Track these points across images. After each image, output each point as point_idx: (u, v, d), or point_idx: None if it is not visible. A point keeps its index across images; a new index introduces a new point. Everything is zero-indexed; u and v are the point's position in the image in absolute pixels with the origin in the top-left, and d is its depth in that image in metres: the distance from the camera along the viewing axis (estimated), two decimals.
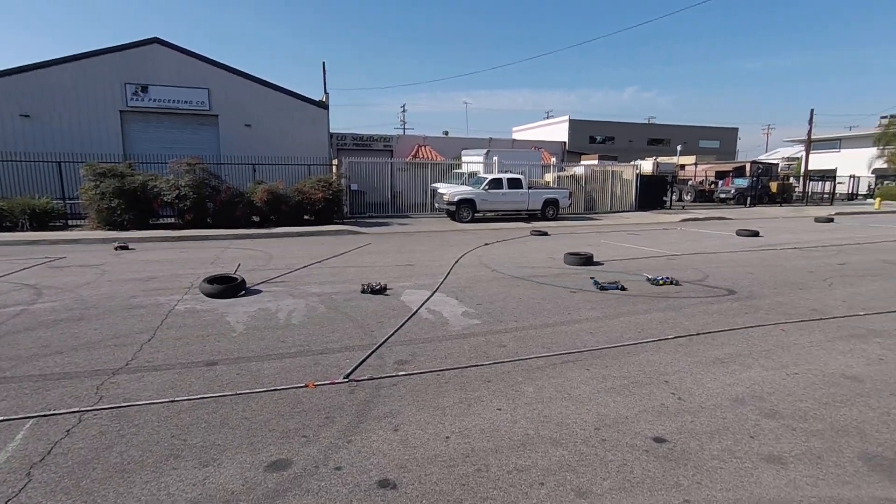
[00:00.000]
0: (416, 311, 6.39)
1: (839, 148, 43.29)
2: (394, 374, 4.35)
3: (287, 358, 4.75)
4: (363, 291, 7.27)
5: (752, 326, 5.74)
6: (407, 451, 3.15)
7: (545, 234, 15.04)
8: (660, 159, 32.42)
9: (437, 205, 19.74)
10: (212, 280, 7.24)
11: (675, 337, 5.36)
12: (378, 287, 7.31)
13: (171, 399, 3.84)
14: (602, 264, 9.74)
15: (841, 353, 4.92)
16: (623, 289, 7.55)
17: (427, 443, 3.25)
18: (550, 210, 19.41)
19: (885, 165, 36.74)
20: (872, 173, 37.85)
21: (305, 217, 17.04)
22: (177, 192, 14.77)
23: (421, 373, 4.40)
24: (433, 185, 21.07)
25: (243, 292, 7.22)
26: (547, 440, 3.30)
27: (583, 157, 33.29)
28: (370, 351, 4.89)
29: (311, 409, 3.71)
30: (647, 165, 29.53)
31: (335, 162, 20.34)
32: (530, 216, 19.50)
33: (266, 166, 18.43)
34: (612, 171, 24.23)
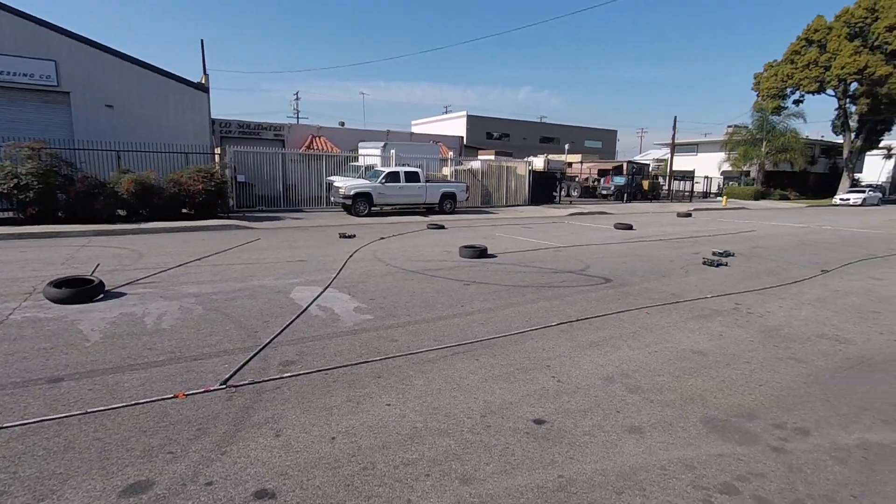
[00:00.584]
0: (306, 308, 6.14)
1: (696, 152, 49.12)
2: (278, 377, 4.12)
3: (154, 367, 4.29)
4: None
5: (623, 311, 6.29)
6: (289, 457, 3.00)
7: (442, 227, 15.27)
8: (550, 157, 34.42)
9: (332, 198, 19.18)
10: (59, 283, 6.32)
11: (558, 324, 5.70)
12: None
13: None
14: (496, 257, 10.10)
15: (691, 331, 5.57)
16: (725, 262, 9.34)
17: (311, 446, 3.12)
18: (448, 204, 19.76)
19: (730, 168, 42.40)
20: (721, 175, 43.48)
21: (184, 211, 15.63)
22: (15, 181, 12.66)
23: (308, 373, 4.22)
24: (329, 177, 20.42)
25: (101, 296, 6.41)
26: (435, 431, 3.32)
27: (480, 152, 34.30)
28: (252, 354, 4.59)
29: (180, 421, 3.39)
30: (538, 162, 31.16)
31: (218, 150, 18.88)
32: (428, 210, 19.69)
33: (134, 153, 16.54)
34: (508, 167, 25.26)
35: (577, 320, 5.86)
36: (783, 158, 39.10)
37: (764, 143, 38.73)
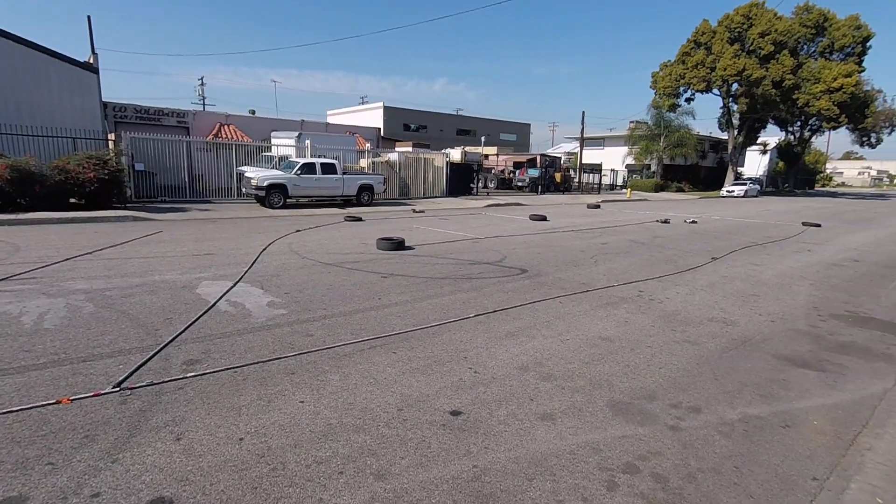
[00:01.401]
0: (214, 303, 5.76)
1: (603, 146, 52.11)
2: (181, 377, 3.83)
3: (32, 371, 3.83)
4: None
5: (538, 301, 6.54)
6: (191, 462, 2.80)
7: (359, 219, 15.00)
8: (467, 149, 34.95)
9: (244, 190, 18.15)
10: None
11: (476, 315, 5.81)
12: None
13: None
14: (414, 249, 10.09)
15: (600, 318, 5.92)
16: None
17: (216, 448, 2.94)
18: (365, 196, 19.43)
19: (633, 162, 45.54)
20: (626, 168, 46.59)
21: (73, 201, 14.07)
22: None
23: (215, 371, 3.97)
24: (240, 168, 19.28)
25: None
26: (350, 427, 3.25)
27: (397, 143, 34.07)
28: (152, 353, 4.24)
29: (62, 429, 3.05)
30: (456, 154, 31.51)
31: (112, 136, 17.15)
32: (345, 202, 19.25)
33: (8, 136, 14.64)
34: (425, 159, 25.29)
35: (494, 311, 6.01)
36: (678, 153, 42.62)
37: (662, 139, 41.92)
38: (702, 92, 40.98)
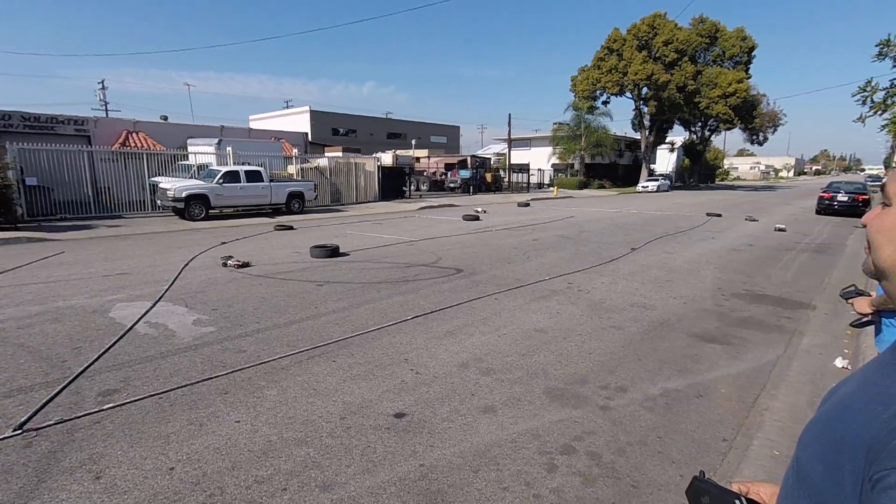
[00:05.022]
0: (132, 326, 5.36)
1: (530, 146, 53.91)
2: (96, 410, 3.53)
3: None
4: None
5: (474, 299, 6.65)
6: (114, 500, 2.59)
7: (291, 228, 14.53)
8: (398, 152, 34.87)
9: (159, 202, 16.97)
10: None
11: (414, 317, 5.81)
12: None
13: None
14: (348, 254, 9.92)
15: (534, 311, 6.12)
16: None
17: (143, 482, 2.74)
18: (296, 203, 18.83)
19: (558, 161, 47.52)
20: (552, 167, 48.48)
21: None
22: None
23: (136, 399, 3.69)
24: (153, 178, 18.01)
25: None
26: (291, 442, 3.15)
27: (326, 148, 33.30)
28: (59, 388, 3.87)
29: None
30: (387, 158, 31.32)
31: None
32: (274, 210, 18.56)
33: None
34: (356, 163, 24.93)
35: (432, 312, 6.04)
36: (598, 152, 44.99)
37: (583, 139, 44.05)
38: (616, 95, 43.49)
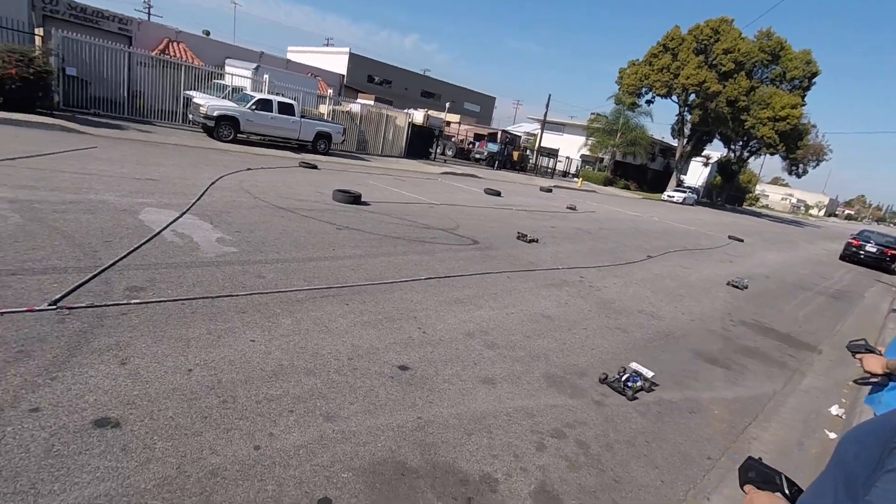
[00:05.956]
0: (159, 232, 5.53)
1: (562, 132, 53.05)
2: (124, 303, 3.72)
3: None
4: None
5: (487, 273, 6.76)
6: (137, 387, 2.78)
7: (315, 167, 14.58)
8: (430, 112, 34.45)
9: (191, 116, 17.00)
10: None
11: (427, 278, 5.94)
12: None
13: None
14: (370, 205, 10.01)
15: (543, 297, 6.23)
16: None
17: (164, 377, 2.93)
18: (322, 144, 18.81)
19: (588, 153, 46.85)
20: (580, 158, 47.85)
21: None
22: None
23: (161, 301, 3.88)
24: (188, 92, 18.00)
25: None
26: (301, 370, 3.33)
27: (360, 94, 33.00)
28: (92, 274, 4.06)
29: None
30: (419, 116, 30.97)
31: (40, 31, 15.43)
32: (300, 147, 18.56)
33: None
34: (388, 116, 24.72)
35: (445, 277, 6.17)
36: (631, 151, 44.18)
37: (618, 135, 43.23)
38: (662, 96, 42.31)
